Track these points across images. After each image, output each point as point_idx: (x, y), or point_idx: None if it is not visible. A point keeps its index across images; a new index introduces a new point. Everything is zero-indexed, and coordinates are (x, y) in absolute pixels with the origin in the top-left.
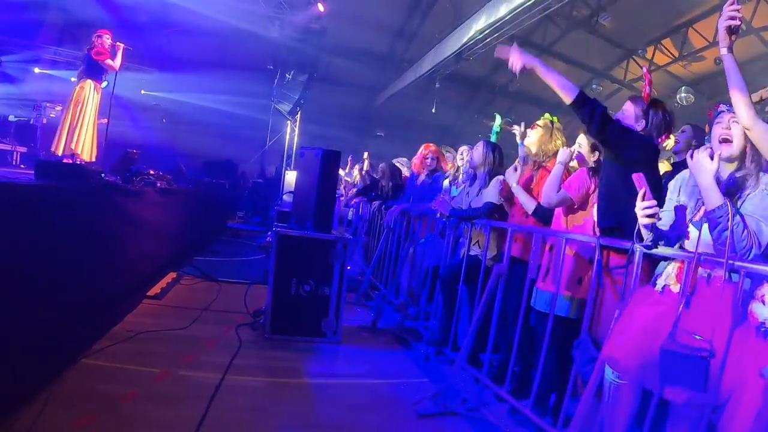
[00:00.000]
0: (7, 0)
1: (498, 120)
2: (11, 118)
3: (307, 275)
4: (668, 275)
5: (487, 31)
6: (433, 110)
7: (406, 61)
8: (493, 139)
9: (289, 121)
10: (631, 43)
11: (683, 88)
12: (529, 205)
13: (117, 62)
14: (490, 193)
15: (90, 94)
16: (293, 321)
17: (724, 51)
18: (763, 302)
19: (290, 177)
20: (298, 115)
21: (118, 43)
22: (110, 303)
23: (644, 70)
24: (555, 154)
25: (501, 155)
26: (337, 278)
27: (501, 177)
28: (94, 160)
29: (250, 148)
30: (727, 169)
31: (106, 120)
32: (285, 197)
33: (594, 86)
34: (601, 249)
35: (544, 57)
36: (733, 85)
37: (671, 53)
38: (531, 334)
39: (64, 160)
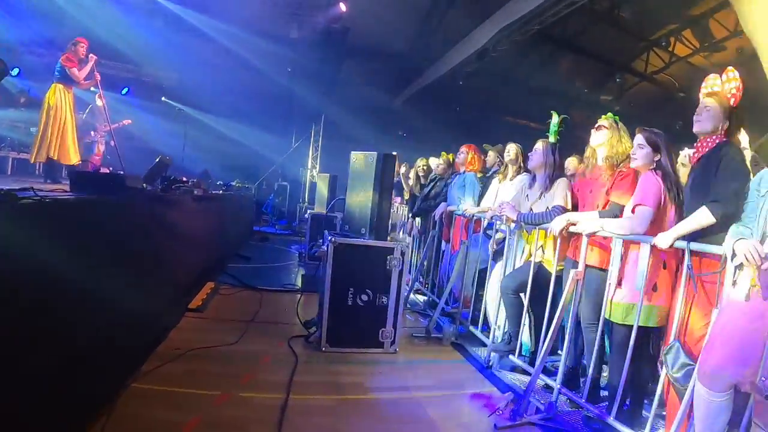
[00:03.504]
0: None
1: (556, 118)
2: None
3: (365, 284)
4: (751, 277)
5: (513, 28)
6: (457, 108)
7: (427, 60)
8: (551, 138)
9: (313, 124)
10: (652, 34)
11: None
12: (594, 215)
13: (82, 73)
14: (558, 196)
15: (59, 98)
16: (350, 332)
17: None
18: None
19: (321, 180)
20: (322, 118)
21: (91, 55)
22: (153, 319)
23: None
24: (627, 156)
25: (561, 155)
26: (395, 287)
27: (565, 178)
28: (79, 162)
29: (274, 151)
30: None
31: (129, 121)
32: (316, 203)
33: (618, 80)
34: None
35: (564, 51)
36: None
37: (692, 44)
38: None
39: (102, 170)
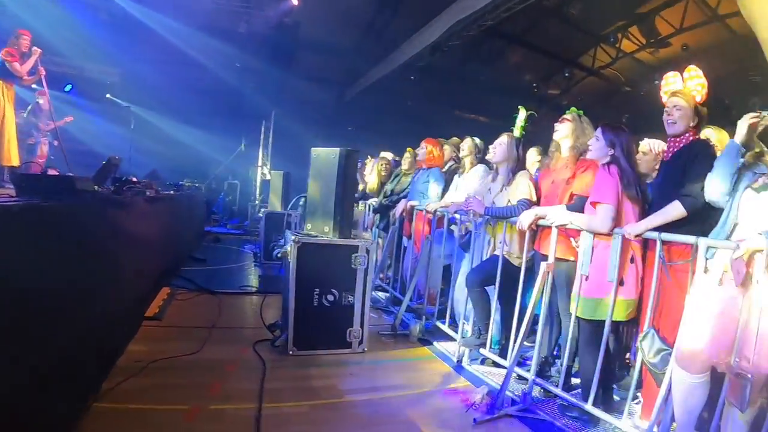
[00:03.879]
0: None
1: (523, 113)
2: None
3: (330, 284)
4: (724, 265)
5: (466, 22)
6: (409, 102)
7: (377, 55)
8: (517, 133)
9: (263, 121)
10: (600, 30)
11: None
12: (561, 209)
13: (25, 68)
14: (521, 190)
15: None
16: (317, 333)
17: None
18: None
19: (275, 178)
20: (272, 115)
21: (35, 48)
22: (111, 331)
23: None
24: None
25: (524, 150)
26: (362, 285)
27: (526, 171)
28: (19, 164)
29: (223, 148)
30: None
31: (71, 118)
32: (270, 201)
33: (566, 74)
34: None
35: (513, 46)
36: None
37: (638, 40)
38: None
39: (49, 172)
